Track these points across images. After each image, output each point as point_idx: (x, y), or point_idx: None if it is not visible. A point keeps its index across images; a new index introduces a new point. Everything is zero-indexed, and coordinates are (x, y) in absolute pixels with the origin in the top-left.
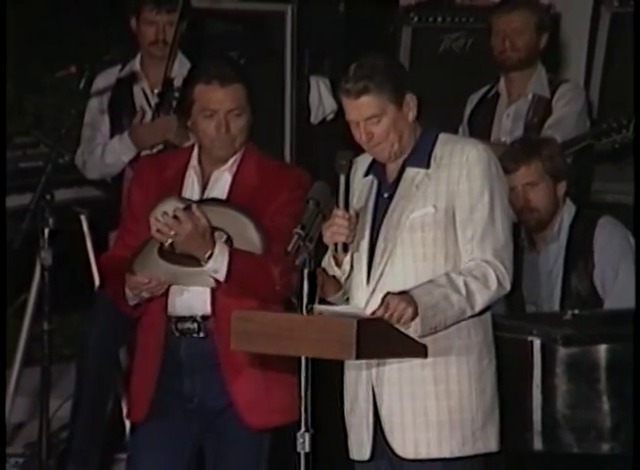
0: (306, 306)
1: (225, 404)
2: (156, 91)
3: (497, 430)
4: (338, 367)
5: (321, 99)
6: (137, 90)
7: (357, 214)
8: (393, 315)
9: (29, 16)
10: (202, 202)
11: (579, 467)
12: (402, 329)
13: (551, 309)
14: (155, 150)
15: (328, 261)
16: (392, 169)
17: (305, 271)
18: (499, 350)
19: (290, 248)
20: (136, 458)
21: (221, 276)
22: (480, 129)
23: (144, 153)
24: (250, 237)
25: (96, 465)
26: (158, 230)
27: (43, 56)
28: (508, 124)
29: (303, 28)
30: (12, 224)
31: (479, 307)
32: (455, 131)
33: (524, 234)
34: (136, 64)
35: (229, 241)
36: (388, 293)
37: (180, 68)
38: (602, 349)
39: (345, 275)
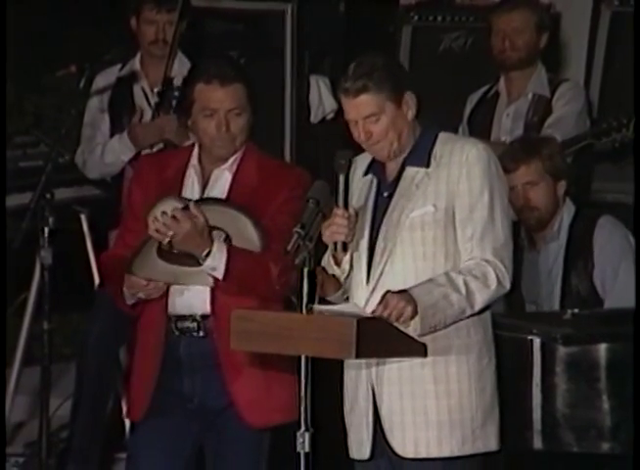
0: (306, 306)
1: (225, 404)
2: (155, 90)
3: (497, 429)
4: (337, 366)
5: (321, 98)
6: (137, 89)
7: (357, 214)
8: (393, 314)
9: (29, 16)
10: (200, 201)
11: (579, 466)
12: (402, 328)
13: (551, 309)
14: (155, 149)
15: (327, 261)
16: (392, 168)
17: (305, 270)
18: (499, 349)
19: (289, 247)
20: (136, 457)
21: (219, 274)
22: (480, 129)
23: (144, 152)
24: (248, 236)
25: (96, 464)
26: (156, 230)
27: (43, 56)
28: (508, 124)
29: (303, 28)
30: (12, 223)
31: (478, 307)
32: (455, 130)
33: (523, 233)
34: (136, 63)
35: (228, 240)
36: (387, 291)
37: (180, 67)
38: (602, 348)
39: (345, 274)
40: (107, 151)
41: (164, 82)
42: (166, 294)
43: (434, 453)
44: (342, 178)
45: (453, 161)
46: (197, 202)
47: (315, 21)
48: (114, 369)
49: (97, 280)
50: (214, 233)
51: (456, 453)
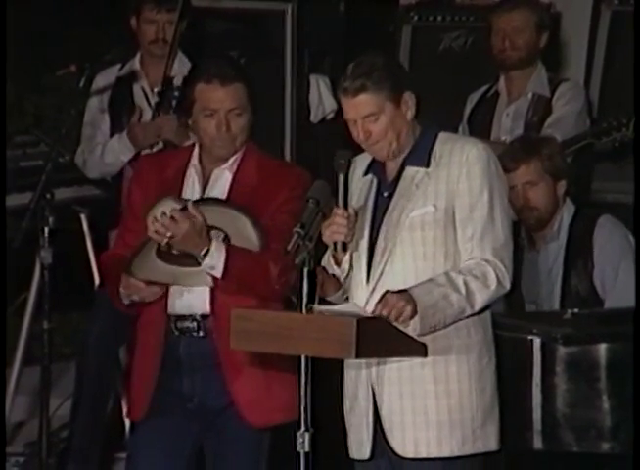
0: (306, 306)
1: (225, 404)
2: (155, 90)
3: (497, 429)
4: (337, 366)
5: (321, 98)
6: (137, 89)
7: (356, 213)
8: (392, 313)
9: (29, 16)
10: (198, 201)
11: (579, 466)
12: (402, 328)
13: (551, 308)
14: (154, 149)
15: (327, 260)
16: (392, 168)
17: (305, 270)
18: (499, 348)
19: (290, 247)
20: (136, 457)
21: (218, 273)
22: (480, 128)
23: (144, 152)
24: (247, 235)
25: (96, 464)
26: (155, 231)
27: (43, 56)
28: (508, 123)
29: (303, 27)
30: (12, 223)
31: (478, 307)
32: (455, 130)
33: (523, 233)
34: (136, 63)
35: (227, 239)
36: (387, 291)
37: (180, 67)
38: (602, 348)
39: (345, 274)
40: (106, 151)
41: (164, 82)
42: (166, 294)
43: (435, 453)
44: (341, 178)
45: (453, 160)
46: (195, 202)
47: (315, 20)
48: (113, 369)
49: (97, 280)
50: (213, 233)
51: (456, 453)
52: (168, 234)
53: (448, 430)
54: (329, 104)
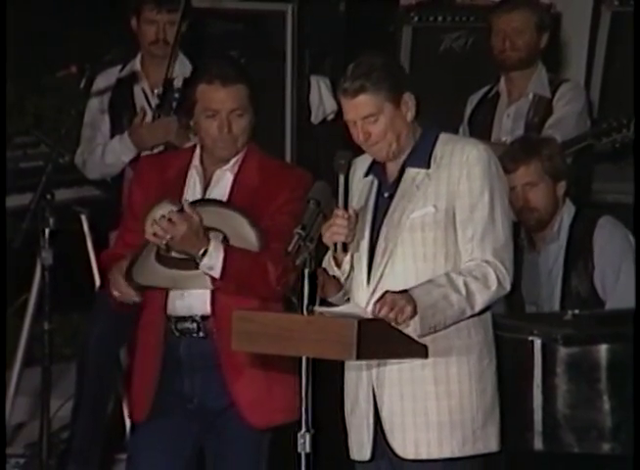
0: (307, 307)
1: (225, 404)
2: (156, 92)
3: (497, 430)
4: (338, 368)
5: (321, 99)
6: (137, 90)
7: (357, 214)
8: (392, 312)
9: (29, 16)
10: (196, 203)
11: (580, 467)
12: (402, 329)
13: (551, 309)
14: (155, 151)
15: (328, 262)
16: (393, 169)
17: (306, 271)
18: (499, 349)
19: (290, 248)
20: (136, 458)
21: (216, 273)
22: (481, 129)
23: (144, 153)
24: (246, 236)
25: (96, 465)
26: (154, 234)
27: (43, 56)
28: (508, 124)
29: (304, 28)
30: (12, 224)
31: (478, 307)
32: (455, 131)
33: (523, 234)
34: (136, 64)
35: (225, 240)
36: (386, 291)
37: (180, 68)
38: (602, 349)
39: (345, 275)
40: (107, 151)
41: (165, 83)
42: (166, 295)
43: (435, 454)
44: (341, 179)
45: (454, 161)
46: (192, 203)
47: (315, 21)
48: (114, 370)
49: (97, 281)
50: (212, 234)
51: (457, 454)
52: (167, 236)
53: (449, 431)
54: (329, 105)
